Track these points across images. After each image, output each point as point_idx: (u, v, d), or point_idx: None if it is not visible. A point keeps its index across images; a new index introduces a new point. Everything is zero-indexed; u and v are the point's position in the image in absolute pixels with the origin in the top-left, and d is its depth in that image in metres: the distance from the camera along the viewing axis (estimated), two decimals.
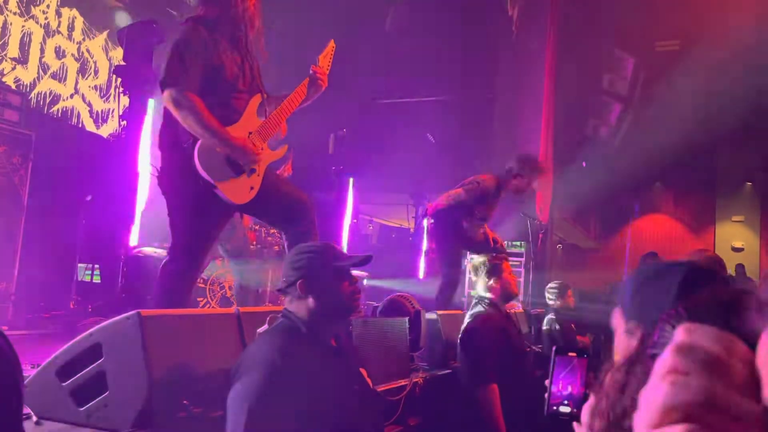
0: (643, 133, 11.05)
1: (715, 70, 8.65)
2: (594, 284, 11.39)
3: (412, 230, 9.04)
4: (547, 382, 1.27)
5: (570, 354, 1.28)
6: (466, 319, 3.56)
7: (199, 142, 2.63)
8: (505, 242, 7.82)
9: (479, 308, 3.51)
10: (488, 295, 3.51)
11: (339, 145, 8.18)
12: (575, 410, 1.22)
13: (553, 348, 1.30)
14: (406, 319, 3.44)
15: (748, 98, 9.17)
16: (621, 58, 10.04)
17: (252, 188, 2.79)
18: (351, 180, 8.68)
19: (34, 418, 1.90)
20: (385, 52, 9.46)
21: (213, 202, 2.69)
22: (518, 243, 8.00)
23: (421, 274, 8.58)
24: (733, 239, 12.75)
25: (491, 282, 3.50)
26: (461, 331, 3.45)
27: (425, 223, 7.27)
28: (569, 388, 1.26)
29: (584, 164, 10.93)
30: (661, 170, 12.82)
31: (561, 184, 8.77)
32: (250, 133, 2.80)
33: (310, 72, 3.03)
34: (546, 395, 1.26)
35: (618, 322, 1.08)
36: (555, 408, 1.25)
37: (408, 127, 10.00)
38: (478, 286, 3.60)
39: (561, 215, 9.91)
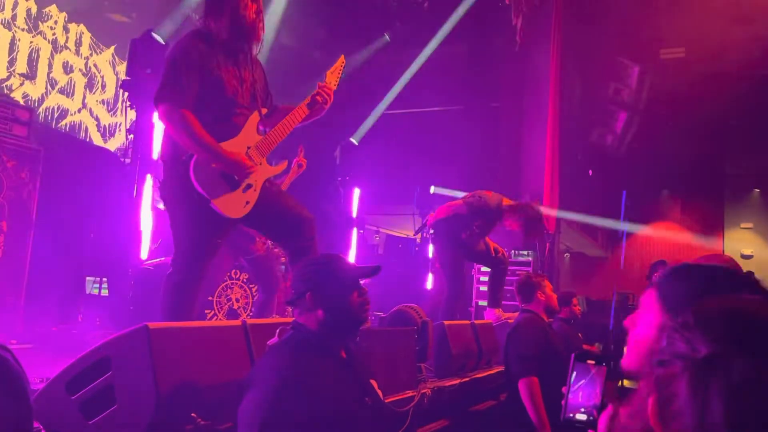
0: (650, 140, 11.02)
1: (721, 76, 8.64)
2: (602, 293, 11.34)
3: (418, 241, 9.02)
4: (564, 388, 1.26)
5: (589, 362, 1.27)
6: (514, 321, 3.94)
7: (195, 157, 2.63)
8: (512, 251, 7.80)
9: (524, 315, 3.84)
10: (532, 308, 3.84)
11: (346, 155, 8.20)
12: (591, 418, 1.21)
13: (573, 355, 1.29)
14: (414, 329, 3.43)
15: (756, 104, 9.15)
16: (626, 65, 10.02)
17: (248, 203, 2.78)
18: (357, 190, 8.69)
19: None
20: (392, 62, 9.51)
21: (212, 214, 2.69)
22: (525, 252, 7.96)
23: (428, 284, 8.55)
24: (742, 246, 12.67)
25: (535, 296, 3.84)
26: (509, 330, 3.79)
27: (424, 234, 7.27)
28: (587, 396, 1.25)
29: (590, 173, 10.91)
30: (669, 178, 12.77)
31: (567, 192, 8.74)
32: (249, 147, 2.79)
33: (317, 89, 2.97)
34: (563, 402, 1.25)
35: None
36: (572, 415, 1.24)
37: (414, 138, 10.03)
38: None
39: (567, 224, 9.87)
